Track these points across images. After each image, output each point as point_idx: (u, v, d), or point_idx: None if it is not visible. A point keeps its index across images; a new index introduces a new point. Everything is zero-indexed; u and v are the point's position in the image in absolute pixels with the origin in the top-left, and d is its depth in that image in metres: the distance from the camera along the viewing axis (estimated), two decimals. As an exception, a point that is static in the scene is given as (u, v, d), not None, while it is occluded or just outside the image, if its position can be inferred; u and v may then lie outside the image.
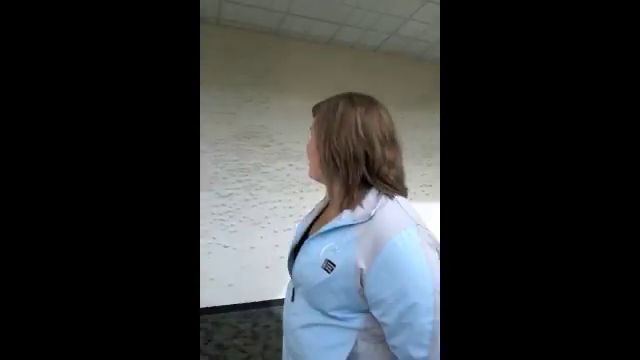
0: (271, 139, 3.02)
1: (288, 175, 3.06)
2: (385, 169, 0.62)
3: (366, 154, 0.62)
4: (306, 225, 0.73)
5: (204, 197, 2.79)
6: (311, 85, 3.08)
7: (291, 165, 3.06)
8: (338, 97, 0.68)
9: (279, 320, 2.50)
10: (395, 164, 0.64)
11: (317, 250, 0.62)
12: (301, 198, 3.08)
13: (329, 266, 0.59)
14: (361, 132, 0.62)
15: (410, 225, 0.57)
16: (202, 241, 2.78)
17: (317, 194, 3.05)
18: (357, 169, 0.62)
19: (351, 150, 0.62)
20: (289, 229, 3.01)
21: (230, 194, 2.88)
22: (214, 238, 2.81)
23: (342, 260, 0.58)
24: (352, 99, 0.66)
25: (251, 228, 2.90)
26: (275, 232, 2.99)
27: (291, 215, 3.04)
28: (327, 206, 0.74)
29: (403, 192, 0.65)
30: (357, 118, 0.63)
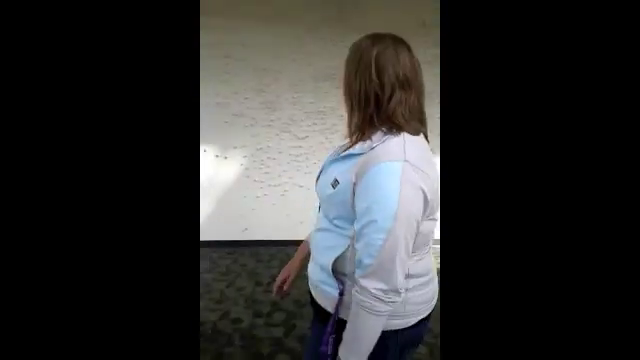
0: (350, 81, 2.90)
1: (365, 120, 2.97)
2: (394, 110, 0.67)
3: (377, 95, 0.67)
4: (334, 155, 0.81)
5: (283, 137, 2.89)
6: (390, 23, 2.81)
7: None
8: (363, 38, 0.71)
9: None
10: (408, 105, 0.68)
11: (332, 172, 0.74)
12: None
13: (335, 183, 0.70)
14: (374, 74, 0.67)
15: (399, 159, 0.63)
16: (279, 180, 2.94)
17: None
18: (367, 109, 0.68)
19: (363, 92, 0.68)
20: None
21: (306, 136, 2.93)
22: (290, 178, 2.95)
23: (344, 179, 0.69)
24: (373, 40, 0.69)
25: (325, 171, 2.96)
26: (348, 176, 3.01)
27: (365, 161, 3.01)
28: None
29: (415, 132, 0.70)
30: (372, 60, 0.67)
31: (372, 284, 0.63)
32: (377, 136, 0.68)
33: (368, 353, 0.67)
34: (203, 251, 2.76)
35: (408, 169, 0.62)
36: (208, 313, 1.98)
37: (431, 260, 0.79)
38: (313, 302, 0.82)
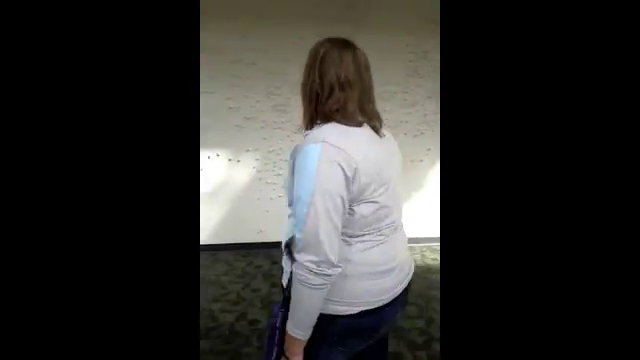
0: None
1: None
2: (331, 107, 0.74)
3: (317, 94, 0.75)
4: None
5: (294, 139, 2.90)
6: (400, 19, 2.79)
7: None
8: (316, 42, 0.79)
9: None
10: (348, 103, 0.74)
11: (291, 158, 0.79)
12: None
13: (290, 171, 0.77)
14: (317, 77, 0.75)
15: (318, 141, 0.68)
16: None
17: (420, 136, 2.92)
18: (311, 106, 0.77)
19: (308, 90, 0.77)
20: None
21: (318, 137, 2.93)
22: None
23: (289, 167, 0.78)
24: (322, 44, 0.77)
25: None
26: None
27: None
28: None
29: (355, 124, 0.74)
30: (317, 63, 0.75)
31: (304, 257, 0.68)
32: (315, 127, 0.76)
33: (310, 326, 0.71)
34: (220, 254, 2.80)
35: (326, 148, 0.67)
36: (225, 314, 2.01)
37: (388, 253, 0.78)
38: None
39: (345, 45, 0.77)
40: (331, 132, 0.70)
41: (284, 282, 0.81)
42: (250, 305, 2.12)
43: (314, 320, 0.71)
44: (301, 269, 0.68)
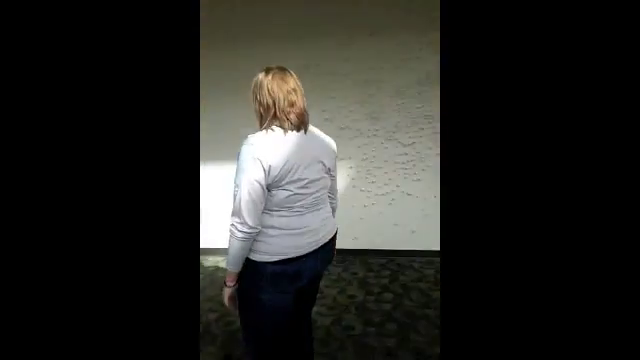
0: (458, 81, 2.72)
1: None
2: (285, 113, 1.04)
3: (274, 104, 1.04)
4: None
5: (387, 146, 2.87)
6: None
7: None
8: (260, 72, 1.09)
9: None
10: (292, 110, 1.05)
11: None
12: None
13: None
14: (266, 93, 1.05)
15: (247, 143, 1.01)
16: (386, 189, 2.92)
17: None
18: (268, 114, 1.05)
19: (265, 104, 1.05)
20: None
21: (413, 143, 2.85)
22: (397, 186, 2.90)
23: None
24: (267, 72, 1.07)
25: (435, 177, 2.83)
26: (461, 182, 2.79)
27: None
28: None
29: (299, 127, 1.07)
30: (267, 85, 1.05)
31: (232, 220, 1.03)
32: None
33: (237, 265, 1.07)
34: (316, 258, 2.91)
35: (250, 149, 1.00)
36: (322, 318, 2.08)
37: (301, 222, 1.10)
38: None
39: (283, 71, 1.08)
40: (258, 137, 1.03)
41: None
42: (346, 311, 2.15)
43: (239, 260, 1.06)
44: (231, 226, 1.02)
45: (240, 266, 1.08)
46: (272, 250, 1.07)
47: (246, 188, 0.98)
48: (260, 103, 1.06)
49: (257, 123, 1.09)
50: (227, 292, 1.12)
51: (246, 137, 1.04)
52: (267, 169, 0.98)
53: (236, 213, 1.01)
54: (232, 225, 1.02)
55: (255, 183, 0.98)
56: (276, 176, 1.00)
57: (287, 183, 1.03)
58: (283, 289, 1.10)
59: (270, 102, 1.04)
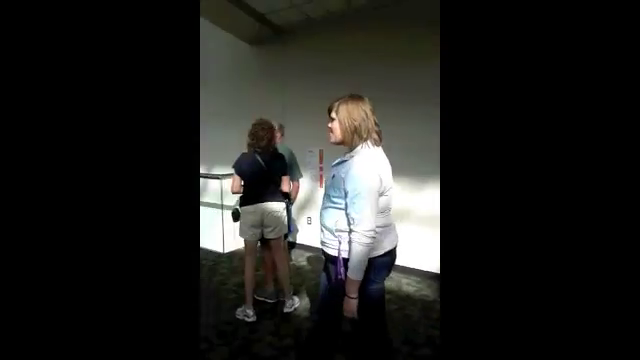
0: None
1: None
2: (368, 133, 1.26)
3: (357, 127, 1.25)
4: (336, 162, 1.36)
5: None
6: None
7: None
8: (345, 99, 1.29)
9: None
10: (371, 131, 1.27)
11: (334, 170, 1.32)
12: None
13: (335, 176, 1.28)
14: (352, 117, 1.25)
15: (365, 160, 1.22)
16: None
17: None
18: (353, 135, 1.26)
19: (351, 126, 1.25)
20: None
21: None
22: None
23: (339, 172, 1.27)
24: (350, 100, 1.28)
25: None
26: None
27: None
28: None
29: (375, 145, 1.28)
30: (352, 111, 1.25)
31: (358, 229, 1.17)
32: (357, 150, 1.26)
33: (362, 272, 1.19)
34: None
35: (370, 164, 1.20)
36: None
37: (389, 219, 1.34)
38: (325, 254, 1.35)
39: (361, 98, 1.28)
40: (369, 154, 1.23)
41: (332, 252, 1.29)
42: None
43: (364, 265, 1.19)
44: (358, 236, 1.16)
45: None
46: (379, 246, 1.25)
47: (370, 199, 1.17)
48: (348, 127, 1.25)
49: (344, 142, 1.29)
50: (355, 304, 1.22)
51: (351, 156, 1.25)
52: (381, 179, 1.20)
53: (364, 222, 1.16)
54: (359, 234, 1.16)
55: (375, 194, 1.18)
56: (383, 186, 1.21)
57: (384, 189, 1.23)
58: (384, 277, 1.34)
59: (355, 125, 1.24)
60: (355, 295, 1.20)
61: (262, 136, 2.12)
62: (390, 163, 1.30)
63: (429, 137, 2.15)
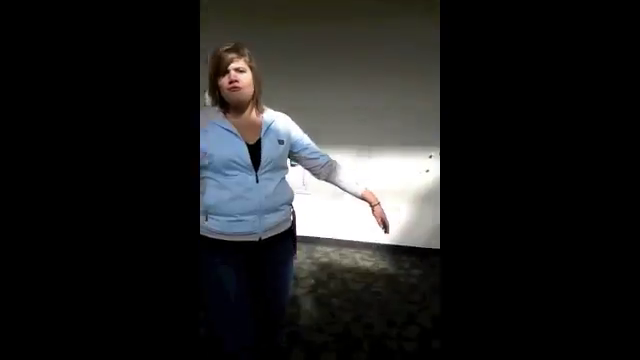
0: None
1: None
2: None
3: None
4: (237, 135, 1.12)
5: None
6: None
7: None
8: (242, 44, 1.10)
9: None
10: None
11: (272, 137, 1.14)
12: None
13: (281, 142, 1.16)
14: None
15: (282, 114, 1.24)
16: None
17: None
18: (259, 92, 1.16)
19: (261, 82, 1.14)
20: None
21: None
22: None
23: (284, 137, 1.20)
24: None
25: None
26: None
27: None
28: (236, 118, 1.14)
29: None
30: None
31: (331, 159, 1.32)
32: (266, 109, 1.18)
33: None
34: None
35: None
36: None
37: None
38: (279, 234, 1.19)
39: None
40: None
41: (288, 225, 1.22)
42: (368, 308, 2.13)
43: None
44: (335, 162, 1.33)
45: None
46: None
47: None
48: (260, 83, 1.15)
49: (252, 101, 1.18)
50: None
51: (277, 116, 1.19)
52: None
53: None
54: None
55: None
56: None
57: None
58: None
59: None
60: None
61: None
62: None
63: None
